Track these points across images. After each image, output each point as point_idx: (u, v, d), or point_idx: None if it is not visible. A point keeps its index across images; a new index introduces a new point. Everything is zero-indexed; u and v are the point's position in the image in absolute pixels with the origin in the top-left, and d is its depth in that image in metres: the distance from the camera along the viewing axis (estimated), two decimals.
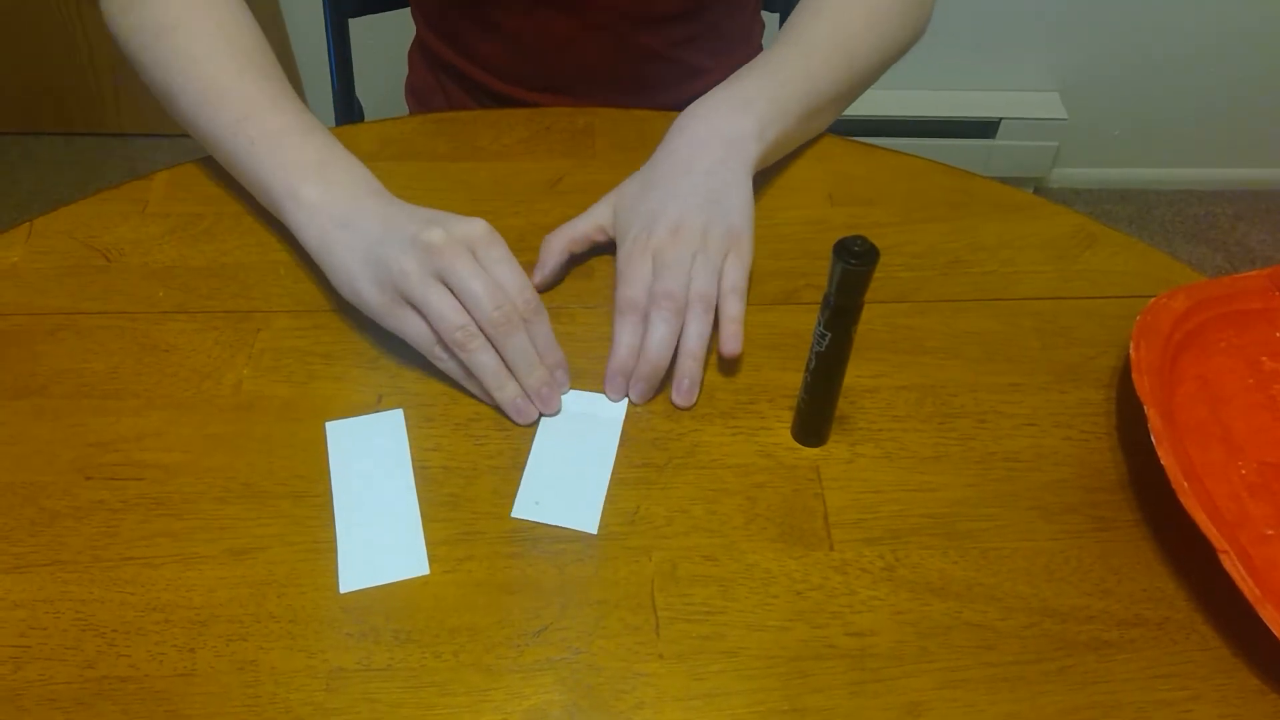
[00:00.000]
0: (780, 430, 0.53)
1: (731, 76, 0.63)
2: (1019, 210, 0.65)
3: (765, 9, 0.93)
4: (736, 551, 0.48)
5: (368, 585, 0.46)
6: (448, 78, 0.85)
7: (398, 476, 0.50)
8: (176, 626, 0.44)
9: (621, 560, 0.47)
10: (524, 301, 0.52)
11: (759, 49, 0.90)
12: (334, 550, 0.47)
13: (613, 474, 0.50)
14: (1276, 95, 1.72)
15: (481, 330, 0.51)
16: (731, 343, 0.54)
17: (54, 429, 0.51)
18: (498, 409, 0.52)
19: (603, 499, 0.50)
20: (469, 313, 0.51)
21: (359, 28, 0.95)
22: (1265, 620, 0.43)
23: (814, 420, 0.51)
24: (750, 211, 0.58)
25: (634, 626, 0.45)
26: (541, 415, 0.53)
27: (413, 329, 0.52)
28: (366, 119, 0.90)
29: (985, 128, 1.68)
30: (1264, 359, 0.56)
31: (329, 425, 0.52)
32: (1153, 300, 0.54)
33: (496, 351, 0.51)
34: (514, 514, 0.49)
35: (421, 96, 0.89)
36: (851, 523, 0.49)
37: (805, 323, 0.57)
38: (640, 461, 0.51)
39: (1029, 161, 1.73)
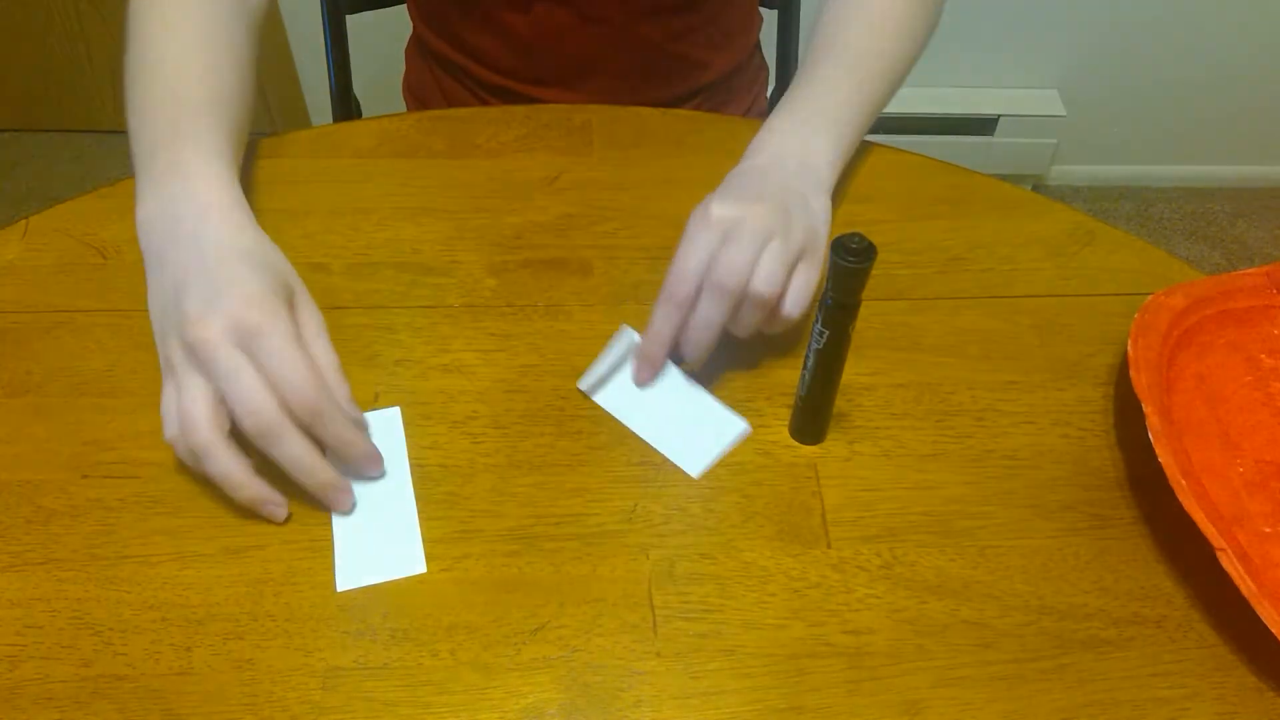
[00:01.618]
0: (778, 428, 0.53)
1: (786, 98, 0.60)
2: (1017, 207, 0.65)
3: (762, 5, 0.93)
4: (734, 550, 0.48)
5: (364, 584, 0.46)
6: (444, 73, 0.85)
7: (394, 474, 0.50)
8: (173, 625, 0.44)
9: (619, 558, 0.47)
10: (300, 403, 0.45)
11: (757, 43, 0.90)
12: (330, 548, 0.47)
13: (610, 472, 0.50)
14: (1275, 92, 1.72)
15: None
16: (772, 330, 0.52)
17: (50, 427, 0.51)
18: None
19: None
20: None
21: (356, 25, 0.95)
22: (1262, 618, 0.43)
23: (812, 418, 0.51)
24: (828, 227, 0.55)
25: (631, 625, 0.45)
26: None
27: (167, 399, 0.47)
28: (364, 116, 0.90)
29: (984, 125, 1.68)
30: (1262, 356, 0.55)
31: None
32: (1151, 298, 0.54)
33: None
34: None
35: (418, 93, 0.89)
36: (849, 521, 0.49)
37: (803, 320, 0.57)
38: (638, 460, 0.51)
39: (1028, 159, 1.72)
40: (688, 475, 0.50)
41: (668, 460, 0.51)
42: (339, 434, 0.47)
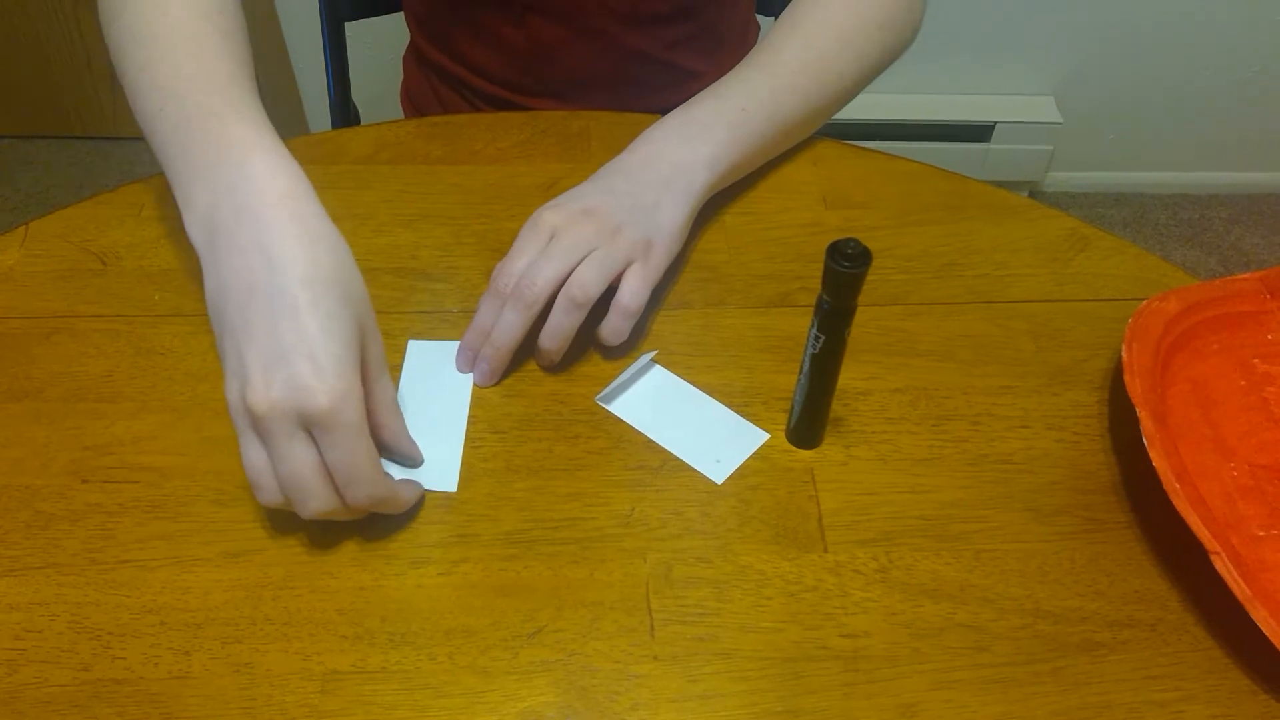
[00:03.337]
0: (775, 433, 0.53)
1: (693, 98, 0.62)
2: (1013, 214, 0.65)
3: (760, 13, 0.93)
4: (730, 553, 0.48)
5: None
6: (441, 83, 0.85)
7: (456, 400, 0.53)
8: (172, 629, 0.44)
9: (616, 562, 0.47)
10: (354, 500, 0.44)
11: None
12: (329, 552, 0.47)
13: (608, 476, 0.51)
14: (1271, 99, 1.73)
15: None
16: (610, 335, 0.53)
17: (50, 432, 0.51)
18: None
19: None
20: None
21: (355, 33, 0.96)
22: (1256, 620, 0.43)
23: (808, 423, 0.51)
24: (676, 237, 0.56)
25: (629, 628, 0.45)
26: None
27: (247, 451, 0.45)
28: (363, 123, 0.90)
29: (980, 132, 1.68)
30: (1255, 361, 0.56)
31: (411, 343, 0.55)
32: (1145, 303, 0.55)
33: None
34: None
35: (416, 101, 0.89)
36: (845, 525, 0.49)
37: (799, 325, 0.58)
38: (635, 464, 0.51)
39: (1024, 165, 1.73)
40: (687, 480, 0.51)
41: (665, 464, 0.51)
42: (385, 509, 0.47)
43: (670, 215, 0.56)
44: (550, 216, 0.53)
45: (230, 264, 0.44)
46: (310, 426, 0.42)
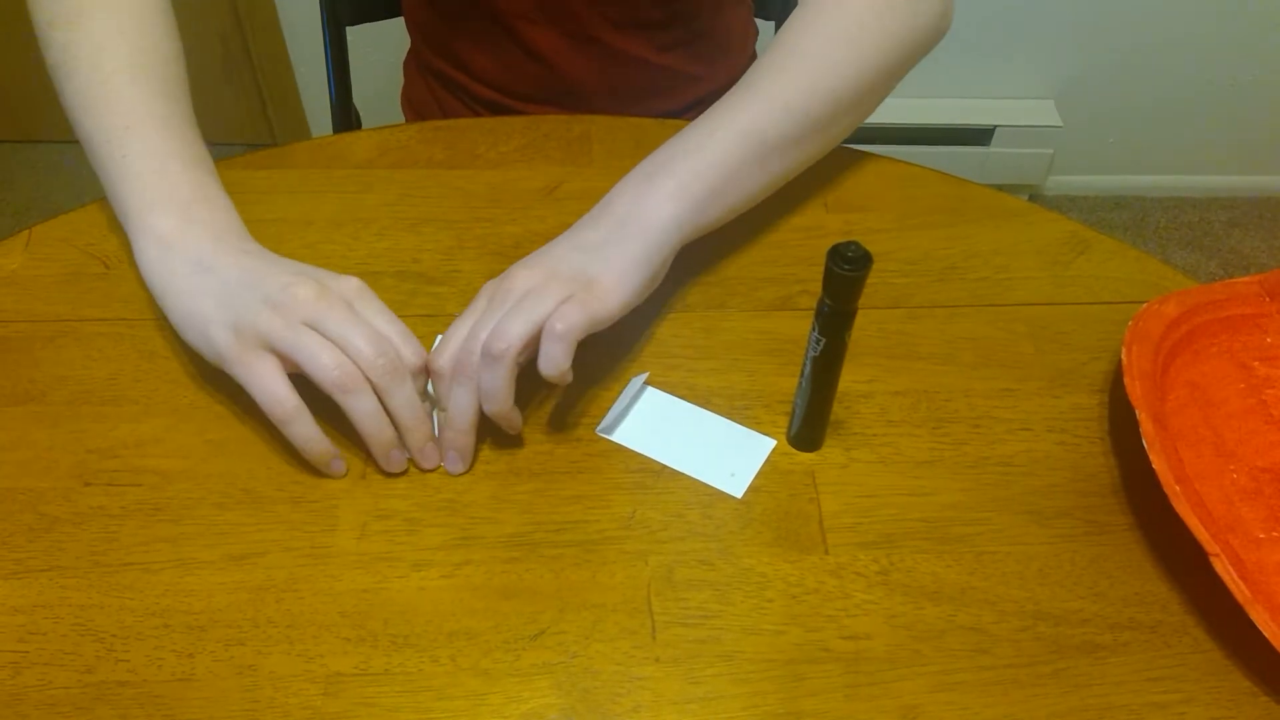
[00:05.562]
0: (776, 435, 0.53)
1: (672, 143, 0.57)
2: (1013, 217, 0.65)
3: (759, 16, 0.93)
4: (732, 556, 0.48)
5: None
6: (442, 88, 0.85)
7: None
8: (175, 631, 0.45)
9: (618, 564, 0.48)
10: (412, 353, 0.50)
11: (753, 56, 0.90)
12: (332, 554, 0.47)
13: (609, 479, 0.51)
14: (1272, 102, 1.73)
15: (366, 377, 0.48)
16: (546, 364, 0.48)
17: (53, 435, 0.51)
18: (369, 456, 0.50)
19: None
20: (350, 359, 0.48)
21: (357, 37, 0.96)
22: (1256, 622, 0.43)
23: (809, 425, 0.52)
24: (628, 273, 0.51)
25: (630, 630, 0.45)
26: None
27: (264, 378, 0.48)
28: (364, 127, 0.91)
29: (980, 135, 1.69)
30: (1255, 364, 0.56)
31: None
32: (1144, 305, 0.55)
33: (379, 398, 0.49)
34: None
35: (417, 106, 0.90)
36: (846, 527, 0.49)
37: (800, 328, 0.58)
38: (636, 467, 0.51)
39: (1024, 169, 1.73)
40: (688, 482, 0.51)
41: (666, 467, 0.51)
42: (413, 398, 0.49)
43: (620, 251, 0.52)
44: (483, 286, 0.52)
45: (227, 274, 0.51)
46: (351, 304, 0.50)
